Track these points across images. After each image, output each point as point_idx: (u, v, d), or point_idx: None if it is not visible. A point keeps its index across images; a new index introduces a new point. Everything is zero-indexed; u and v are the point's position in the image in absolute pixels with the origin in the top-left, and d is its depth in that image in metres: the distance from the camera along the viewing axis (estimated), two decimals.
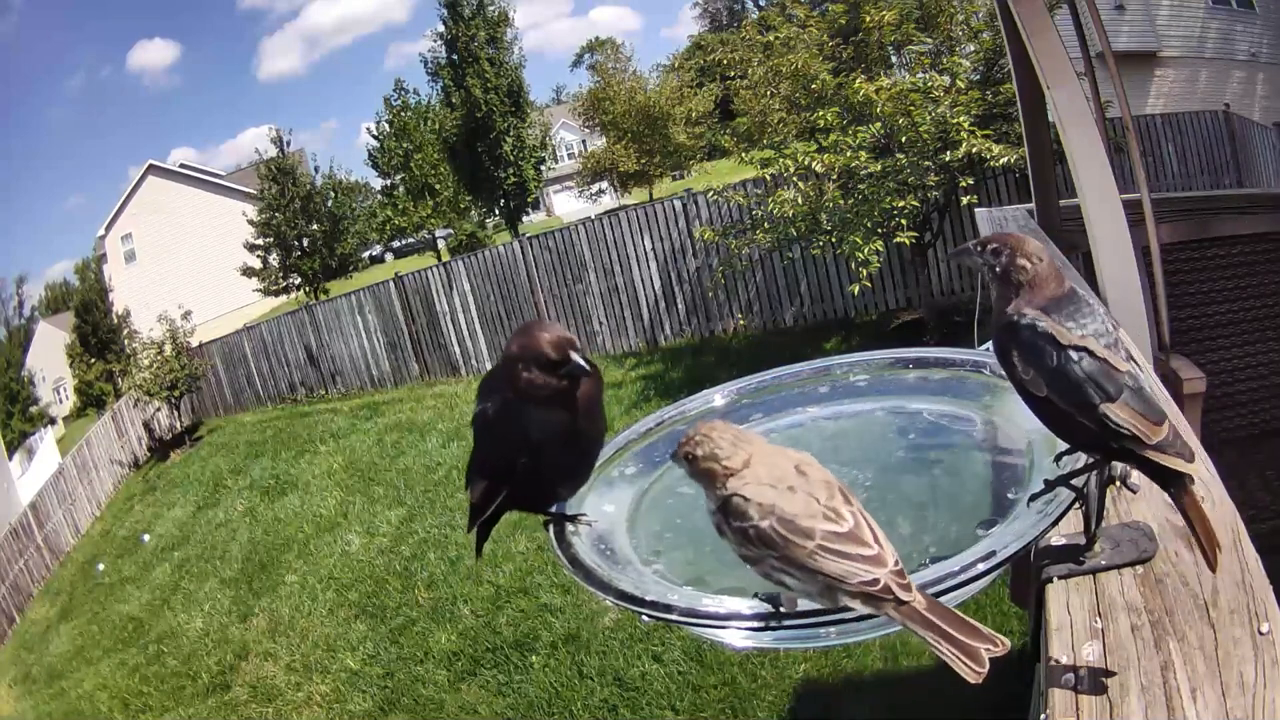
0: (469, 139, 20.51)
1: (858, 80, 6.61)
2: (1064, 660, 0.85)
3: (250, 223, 22.15)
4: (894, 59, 7.82)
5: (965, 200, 6.77)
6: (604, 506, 1.04)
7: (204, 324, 14.83)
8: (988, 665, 0.68)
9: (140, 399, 13.12)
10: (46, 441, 22.45)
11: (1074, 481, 0.84)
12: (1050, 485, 0.84)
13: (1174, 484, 0.80)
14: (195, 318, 13.75)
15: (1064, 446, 0.89)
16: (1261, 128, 9.44)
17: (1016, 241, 0.88)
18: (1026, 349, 0.83)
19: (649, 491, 1.10)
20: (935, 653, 0.69)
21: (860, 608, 0.71)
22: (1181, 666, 0.80)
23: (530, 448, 0.95)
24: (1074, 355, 0.81)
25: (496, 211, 23.21)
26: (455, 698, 4.99)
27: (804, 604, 0.76)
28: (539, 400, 0.93)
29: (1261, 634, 0.81)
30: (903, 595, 0.69)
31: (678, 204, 9.49)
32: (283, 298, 22.74)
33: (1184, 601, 0.88)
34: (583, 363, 0.94)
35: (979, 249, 0.90)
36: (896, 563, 0.72)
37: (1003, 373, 1.02)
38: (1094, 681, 0.82)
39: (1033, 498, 0.84)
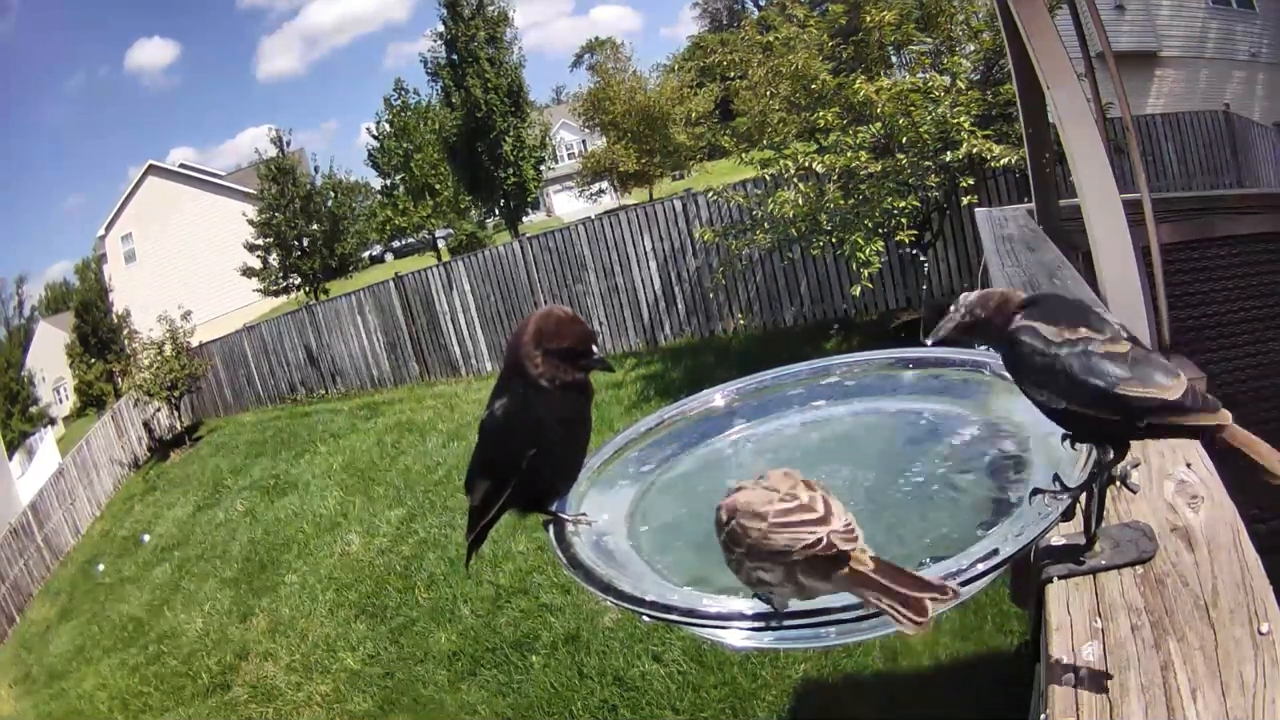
0: (469, 139, 20.50)
1: (858, 80, 6.61)
2: (1064, 660, 0.85)
3: (250, 223, 22.15)
4: (894, 59, 7.82)
5: (965, 200, 6.77)
6: (604, 507, 1.04)
7: (204, 324, 14.84)
8: (929, 614, 0.67)
9: (140, 399, 13.12)
10: (46, 441, 22.46)
11: (1072, 481, 0.84)
12: (1071, 492, 0.84)
13: (1207, 434, 0.81)
14: (195, 318, 13.75)
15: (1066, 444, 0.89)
16: (1261, 128, 9.44)
17: (963, 300, 0.93)
18: (1033, 371, 0.84)
19: (649, 491, 1.10)
20: (876, 608, 0.68)
21: (815, 584, 0.71)
22: (1181, 666, 0.80)
23: (540, 436, 0.94)
24: (1074, 360, 0.81)
25: (496, 211, 23.19)
26: (455, 698, 4.99)
27: (794, 604, 0.76)
28: (554, 388, 0.93)
29: (1261, 634, 0.81)
30: (844, 546, 0.69)
31: (678, 204, 9.49)
32: (283, 298, 22.74)
33: (1184, 601, 0.88)
34: (602, 358, 0.95)
35: (956, 318, 0.93)
36: (847, 525, 0.71)
37: (1002, 372, 1.02)
38: (1094, 681, 0.82)
39: (1033, 494, 0.84)
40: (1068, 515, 0.86)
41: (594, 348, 0.94)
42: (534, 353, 0.93)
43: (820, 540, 0.70)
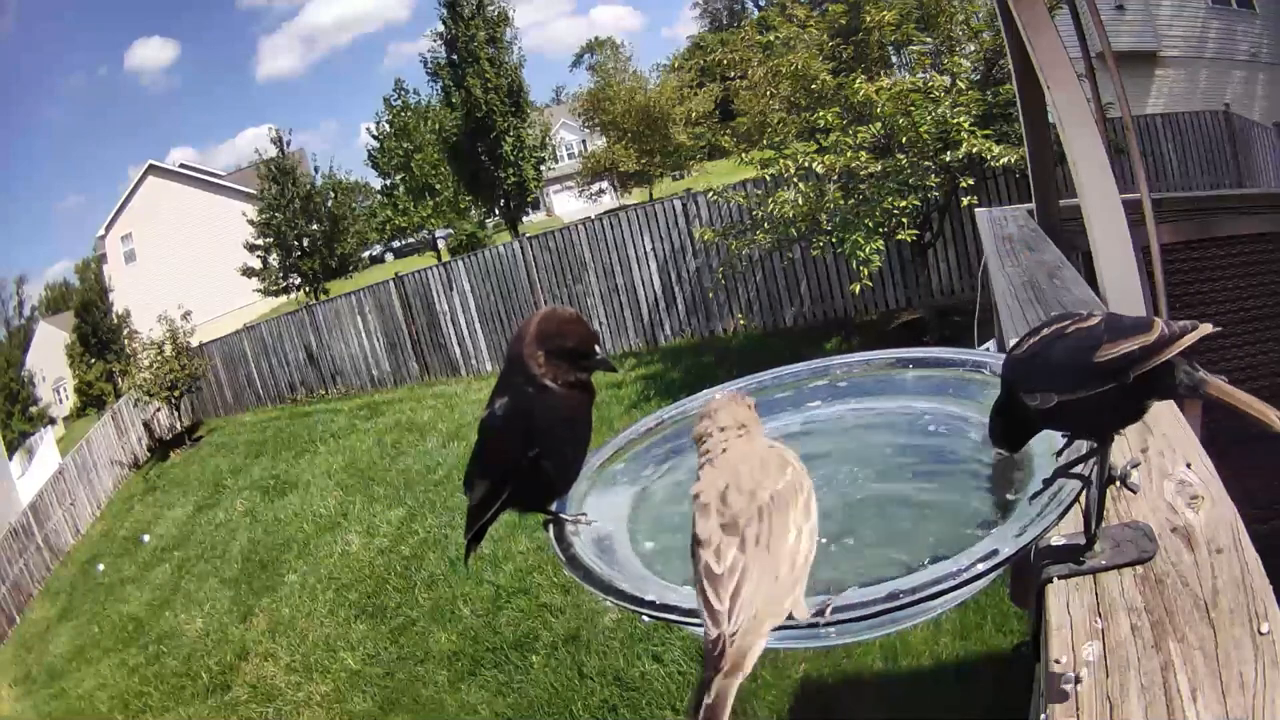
0: (469, 139, 20.51)
1: (858, 80, 6.61)
2: (1064, 660, 0.85)
3: (250, 223, 22.16)
4: (894, 59, 7.83)
5: (966, 200, 6.78)
6: (603, 507, 1.04)
7: (204, 324, 14.83)
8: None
9: (140, 399, 13.11)
10: (46, 441, 22.44)
11: (1074, 470, 0.84)
12: (1049, 480, 0.84)
13: (1197, 386, 0.81)
14: (195, 318, 13.75)
15: (1064, 442, 0.89)
16: (1261, 128, 9.44)
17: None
18: (1028, 383, 0.84)
19: (650, 491, 1.10)
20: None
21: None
22: (1182, 667, 0.80)
23: (541, 436, 0.94)
24: (1052, 350, 0.82)
25: (496, 211, 23.19)
26: (455, 698, 4.99)
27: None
28: (556, 388, 0.93)
29: (1261, 634, 0.81)
30: (723, 665, 0.67)
31: (678, 204, 9.49)
32: (283, 298, 22.74)
33: (1184, 601, 0.88)
34: (605, 358, 0.95)
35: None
36: (741, 627, 0.69)
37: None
38: (1094, 681, 0.82)
39: (1034, 496, 0.84)
40: (1088, 485, 0.86)
41: (596, 348, 0.94)
42: (536, 353, 0.93)
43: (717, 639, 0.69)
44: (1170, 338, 0.79)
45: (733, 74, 9.46)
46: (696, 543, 0.74)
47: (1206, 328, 0.78)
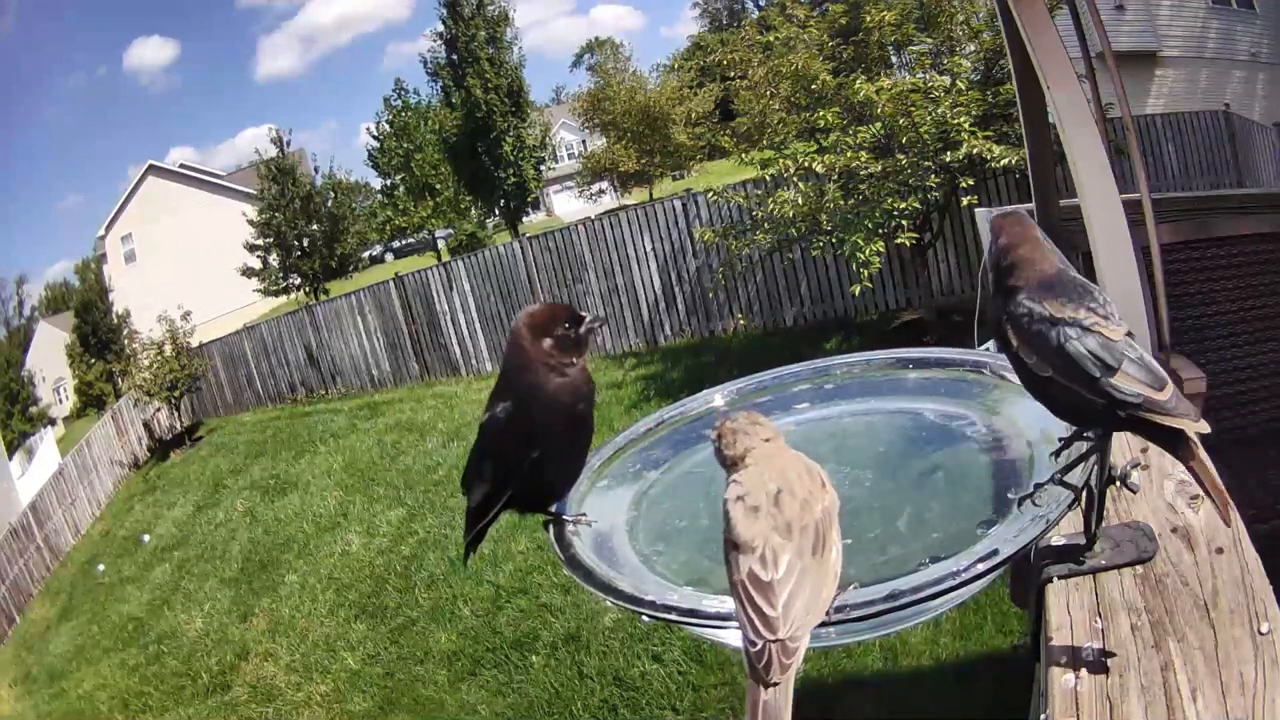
0: (469, 139, 20.49)
1: (858, 80, 6.61)
2: (1064, 660, 0.85)
3: (250, 223, 22.13)
4: (894, 59, 7.82)
5: (966, 201, 6.77)
6: (603, 506, 1.04)
7: (204, 324, 14.82)
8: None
9: (140, 399, 13.12)
10: (46, 442, 22.43)
11: (1068, 478, 0.84)
12: (1040, 485, 0.84)
13: (1179, 445, 0.80)
14: (195, 318, 13.75)
15: (1061, 443, 0.89)
16: (1261, 128, 9.44)
17: (1001, 225, 0.92)
18: (1028, 334, 0.84)
19: (649, 491, 1.10)
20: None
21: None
22: (1182, 667, 0.80)
23: (542, 436, 0.94)
24: (1072, 332, 0.82)
25: (496, 211, 23.17)
26: (455, 698, 4.99)
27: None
28: (553, 368, 0.94)
29: (1261, 634, 0.81)
30: (772, 676, 0.67)
31: (678, 204, 9.49)
32: (283, 298, 22.73)
33: (1184, 601, 0.88)
34: (597, 316, 0.99)
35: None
36: (793, 633, 0.71)
37: (1002, 372, 1.02)
38: (1094, 682, 0.82)
39: (1022, 500, 0.84)
40: (1079, 498, 0.86)
41: (583, 314, 0.96)
42: (535, 341, 0.94)
43: (761, 651, 0.71)
44: (1174, 409, 0.78)
45: (733, 74, 9.44)
46: (736, 546, 0.73)
47: (1204, 426, 0.78)
